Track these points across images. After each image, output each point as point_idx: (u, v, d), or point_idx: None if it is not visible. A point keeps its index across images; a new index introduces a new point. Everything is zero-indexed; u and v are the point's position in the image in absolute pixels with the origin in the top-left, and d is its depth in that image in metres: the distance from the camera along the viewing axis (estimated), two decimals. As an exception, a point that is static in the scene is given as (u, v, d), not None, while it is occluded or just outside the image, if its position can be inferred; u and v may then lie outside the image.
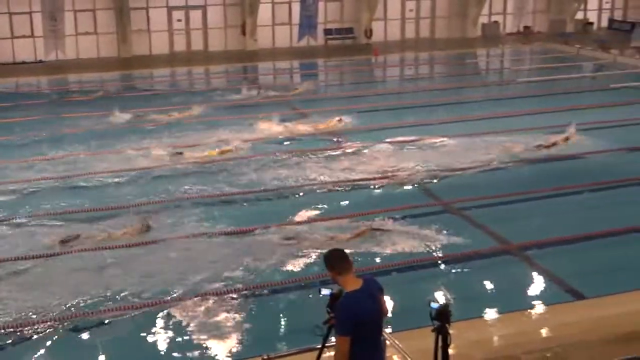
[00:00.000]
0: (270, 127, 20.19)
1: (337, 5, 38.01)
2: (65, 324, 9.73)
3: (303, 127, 20.42)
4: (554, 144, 17.98)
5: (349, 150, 17.99)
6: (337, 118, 20.73)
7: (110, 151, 18.16)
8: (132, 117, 22.12)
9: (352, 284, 6.10)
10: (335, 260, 6.19)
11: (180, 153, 17.63)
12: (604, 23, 41.67)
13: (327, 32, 37.67)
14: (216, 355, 8.96)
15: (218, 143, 18.42)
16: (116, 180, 16.03)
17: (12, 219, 13.52)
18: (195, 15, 35.93)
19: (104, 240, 12.47)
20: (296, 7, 36.07)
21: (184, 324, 9.63)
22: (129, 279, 10.96)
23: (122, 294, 10.45)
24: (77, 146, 18.71)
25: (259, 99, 25.08)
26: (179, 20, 35.75)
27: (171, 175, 16.32)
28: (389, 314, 9.68)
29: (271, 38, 36.94)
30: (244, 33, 35.86)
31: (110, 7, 34.09)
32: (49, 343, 9.34)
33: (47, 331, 9.55)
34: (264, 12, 36.04)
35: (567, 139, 18.26)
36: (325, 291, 6.68)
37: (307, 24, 36.06)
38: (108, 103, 23.89)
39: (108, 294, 10.47)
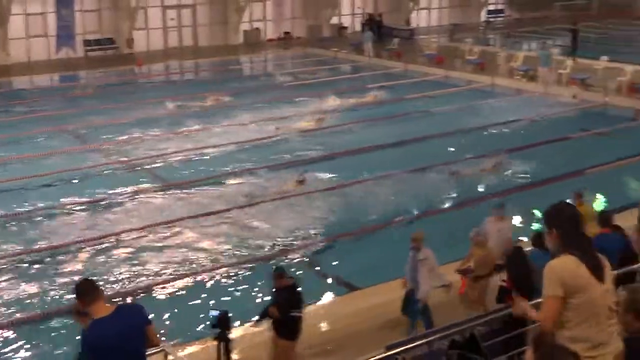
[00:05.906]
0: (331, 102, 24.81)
1: (95, 15, 36.76)
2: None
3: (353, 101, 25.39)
4: None
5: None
6: (374, 94, 26.38)
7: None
8: None
9: (101, 311, 5.63)
10: (82, 292, 5.69)
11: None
12: (357, 27, 43.92)
13: (87, 43, 36.28)
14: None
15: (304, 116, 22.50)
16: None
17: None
18: (-63, 29, 33.13)
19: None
20: (52, 18, 34.43)
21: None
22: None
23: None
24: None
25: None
26: None
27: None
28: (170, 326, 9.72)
29: (26, 51, 34.98)
30: (-6, 47, 33.67)
31: None
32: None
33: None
34: (16, 23, 33.98)
35: None
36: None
37: (65, 35, 34.57)
38: None
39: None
